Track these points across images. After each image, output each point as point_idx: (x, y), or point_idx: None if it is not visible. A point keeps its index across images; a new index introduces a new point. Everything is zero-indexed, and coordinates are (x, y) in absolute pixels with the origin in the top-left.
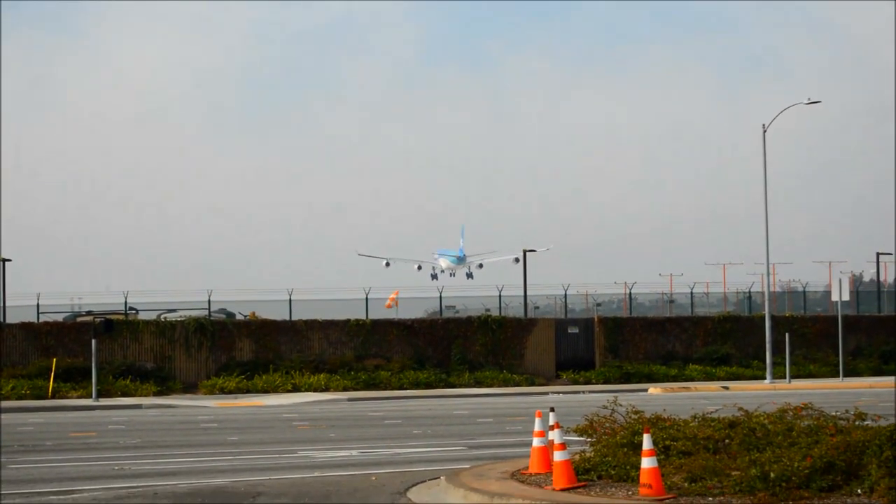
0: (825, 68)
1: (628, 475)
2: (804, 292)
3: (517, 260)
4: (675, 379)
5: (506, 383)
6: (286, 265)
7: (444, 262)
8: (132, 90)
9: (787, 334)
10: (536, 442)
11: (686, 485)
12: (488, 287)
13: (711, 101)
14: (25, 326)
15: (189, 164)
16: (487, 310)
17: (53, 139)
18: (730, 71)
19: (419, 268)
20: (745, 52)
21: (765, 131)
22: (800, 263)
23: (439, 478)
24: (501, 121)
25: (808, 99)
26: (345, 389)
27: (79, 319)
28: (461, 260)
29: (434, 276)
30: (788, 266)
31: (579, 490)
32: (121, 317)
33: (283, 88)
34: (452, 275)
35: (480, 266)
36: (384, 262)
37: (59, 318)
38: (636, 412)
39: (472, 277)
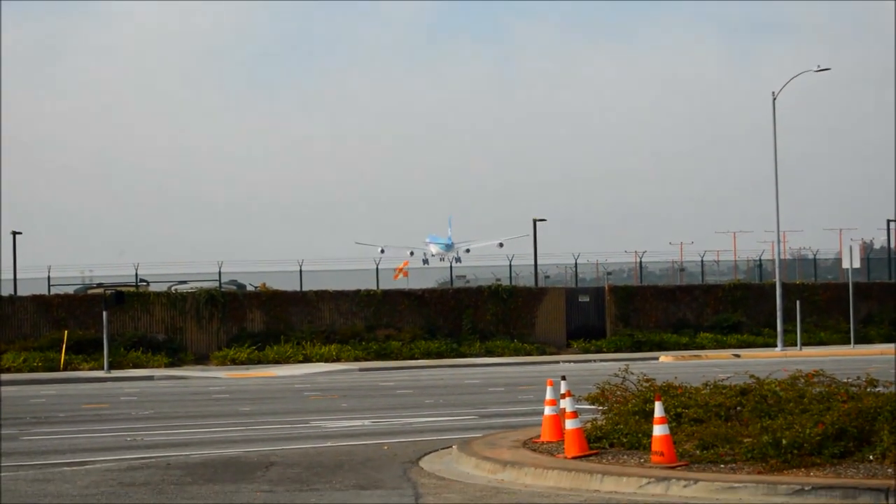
0: (836, 33)
1: (640, 443)
2: (815, 260)
3: (501, 245)
4: (686, 347)
5: (517, 352)
6: (296, 236)
7: (434, 248)
8: (144, 58)
9: (797, 302)
10: (548, 410)
11: (698, 452)
12: (499, 256)
13: (722, 66)
14: (37, 299)
15: (200, 134)
16: (498, 279)
17: (64, 110)
18: (740, 36)
19: (411, 253)
20: (756, 18)
21: (774, 99)
22: (810, 231)
23: (451, 447)
24: (511, 87)
25: (818, 66)
26: (356, 360)
27: (90, 292)
28: (449, 247)
29: (425, 261)
30: (799, 234)
31: (591, 458)
32: (132, 289)
33: (296, 57)
34: (442, 259)
35: (468, 251)
36: (379, 248)
37: (70, 290)
38: (647, 380)
39: (459, 261)
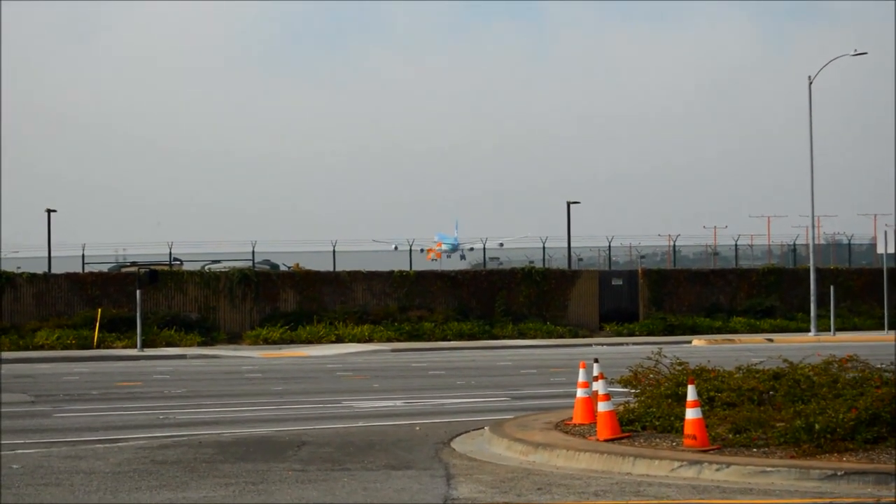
0: (874, 16)
1: (672, 426)
2: (849, 245)
3: (501, 245)
4: (719, 331)
5: (549, 335)
6: (330, 216)
7: (442, 246)
8: (178, 39)
9: (831, 287)
10: (580, 393)
11: (730, 436)
12: (532, 239)
13: (757, 49)
14: (71, 277)
15: (233, 114)
16: (531, 262)
17: (99, 89)
18: (776, 19)
19: (421, 250)
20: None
21: (811, 83)
22: (845, 216)
23: (483, 428)
24: (543, 67)
25: (855, 50)
26: (388, 340)
27: (123, 270)
28: (455, 248)
29: (434, 259)
30: (833, 218)
31: (623, 441)
32: (165, 267)
33: (330, 36)
34: (449, 256)
35: (471, 249)
36: (393, 246)
37: (104, 268)
38: (680, 363)
39: (464, 259)
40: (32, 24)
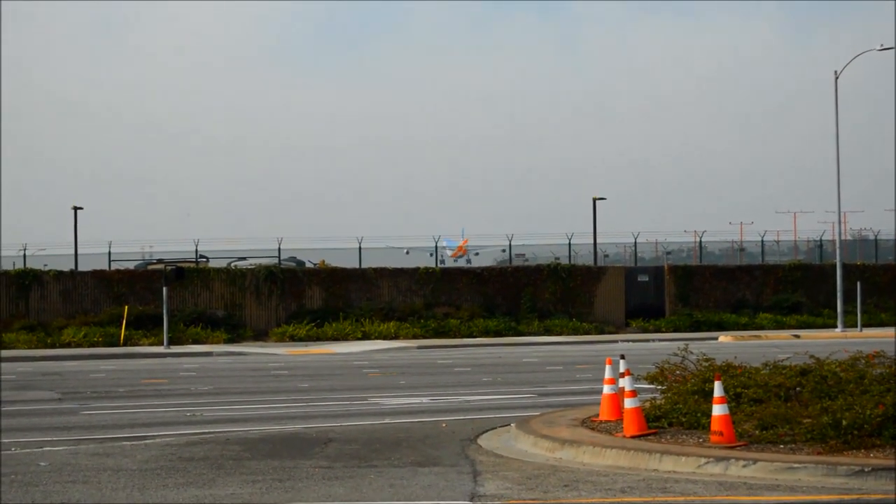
0: None
1: (699, 422)
2: (876, 240)
3: (503, 251)
4: (745, 327)
5: (575, 331)
6: (356, 213)
7: (448, 252)
8: (202, 35)
9: (858, 283)
10: (607, 389)
11: (757, 432)
12: (558, 235)
13: (784, 44)
14: (97, 274)
15: (259, 112)
16: (557, 258)
17: (125, 86)
18: (804, 13)
19: (431, 254)
20: None
21: (837, 78)
22: (872, 211)
23: (509, 425)
24: (567, 61)
25: (881, 45)
26: (414, 337)
27: (150, 267)
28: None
29: (442, 262)
30: (860, 214)
31: (650, 437)
32: (191, 265)
33: (354, 30)
34: (455, 260)
35: (477, 254)
36: (405, 250)
37: (131, 265)
38: (707, 360)
39: (469, 262)
40: (58, 20)
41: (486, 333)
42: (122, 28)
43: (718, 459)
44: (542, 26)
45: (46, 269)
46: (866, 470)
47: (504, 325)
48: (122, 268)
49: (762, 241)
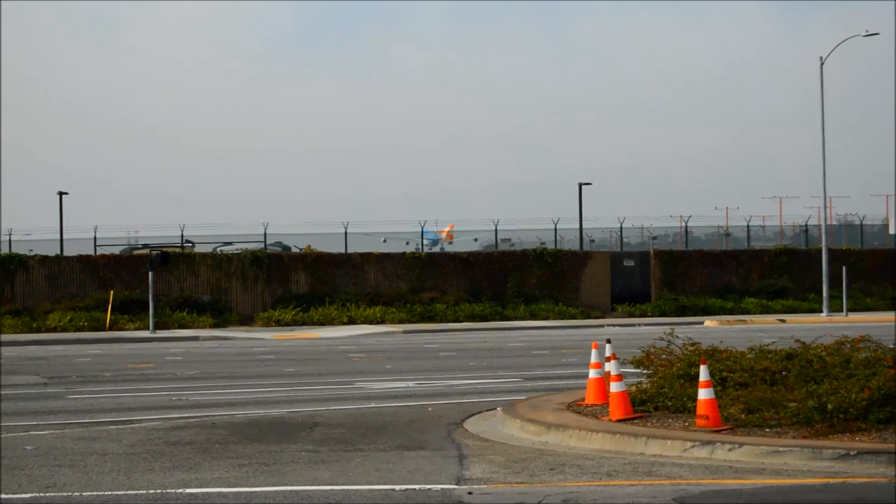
0: None
1: (685, 406)
2: (861, 226)
3: (475, 239)
4: (731, 312)
5: (561, 316)
6: (341, 198)
7: (425, 240)
8: (189, 27)
9: (843, 268)
10: (593, 373)
11: (743, 416)
12: (544, 220)
13: (769, 31)
14: (83, 259)
15: (244, 99)
16: (543, 243)
17: (111, 75)
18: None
19: (407, 243)
20: None
21: (822, 64)
22: (857, 197)
23: (495, 409)
24: (558, 54)
25: (867, 31)
26: (400, 322)
27: (135, 252)
28: (435, 242)
29: (418, 249)
30: (846, 199)
31: (636, 421)
32: (177, 249)
33: (342, 23)
34: (430, 249)
35: (450, 243)
36: (382, 238)
37: (116, 250)
38: (692, 344)
39: (444, 249)
40: (47, 16)
41: (473, 318)
42: (110, 23)
43: (704, 443)
44: (534, 18)
45: (32, 254)
46: (852, 453)
47: (490, 310)
48: (107, 253)
49: (748, 227)
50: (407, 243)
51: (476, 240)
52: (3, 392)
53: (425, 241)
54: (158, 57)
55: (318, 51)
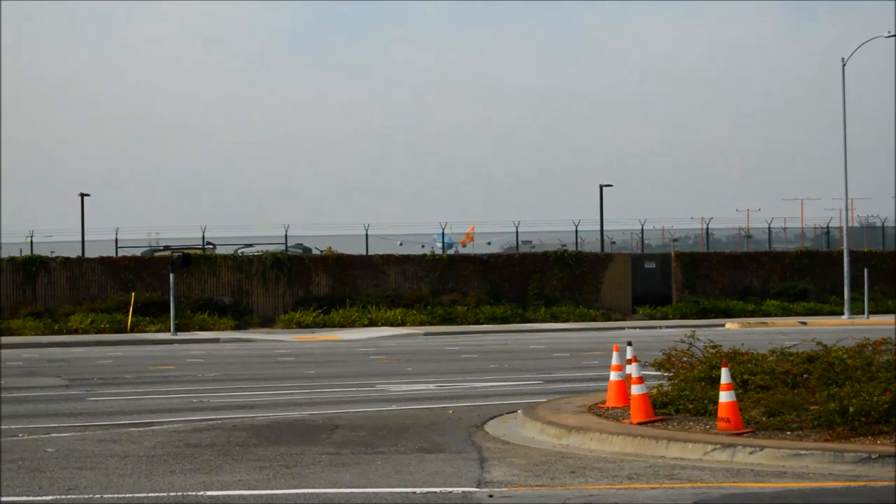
0: None
1: (706, 409)
2: (883, 227)
3: (489, 243)
4: (752, 314)
5: (582, 318)
6: (362, 200)
7: (438, 244)
8: (206, 23)
9: (865, 269)
10: (613, 376)
11: (764, 419)
12: (565, 222)
13: (791, 30)
14: (104, 261)
15: (264, 100)
16: (563, 245)
17: (131, 74)
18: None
19: (422, 246)
20: None
21: (844, 65)
22: (879, 198)
23: (516, 411)
24: (565, 51)
25: (889, 32)
26: (421, 324)
27: (157, 254)
28: (450, 246)
29: (433, 251)
30: (867, 201)
31: (657, 424)
32: (198, 251)
33: (351, 20)
34: (445, 252)
35: (464, 245)
36: (398, 242)
37: (138, 252)
38: (714, 346)
39: (458, 251)
40: (66, 11)
41: (493, 320)
42: (123, 19)
43: (725, 446)
44: (545, 13)
45: (53, 255)
46: (873, 457)
47: (511, 312)
48: (128, 254)
49: (769, 228)
50: (422, 246)
51: (489, 243)
52: (23, 394)
53: (438, 245)
54: (169, 57)
55: (330, 47)
